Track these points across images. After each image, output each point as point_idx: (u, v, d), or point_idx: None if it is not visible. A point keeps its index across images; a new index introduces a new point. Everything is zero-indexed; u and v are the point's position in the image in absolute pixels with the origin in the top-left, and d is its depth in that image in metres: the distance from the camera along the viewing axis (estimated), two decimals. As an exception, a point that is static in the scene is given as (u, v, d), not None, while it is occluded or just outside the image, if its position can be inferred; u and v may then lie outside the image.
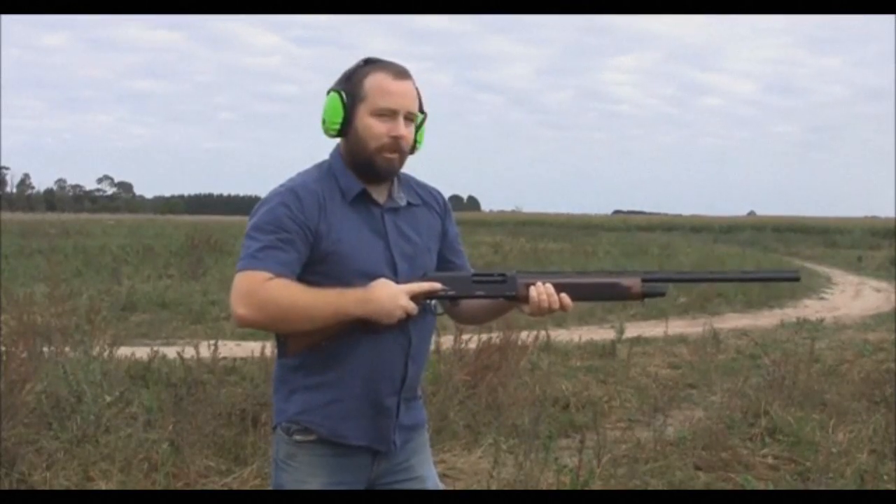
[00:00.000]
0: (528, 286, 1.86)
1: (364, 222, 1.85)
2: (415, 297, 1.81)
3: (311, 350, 1.83)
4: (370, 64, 1.85)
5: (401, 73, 1.84)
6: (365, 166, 1.84)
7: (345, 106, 1.82)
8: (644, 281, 1.89)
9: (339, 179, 1.85)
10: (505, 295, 1.89)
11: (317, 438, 1.86)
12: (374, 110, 1.81)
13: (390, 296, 1.78)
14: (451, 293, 1.88)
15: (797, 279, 1.97)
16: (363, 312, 1.76)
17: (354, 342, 1.82)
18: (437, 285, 1.85)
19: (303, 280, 1.79)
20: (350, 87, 1.83)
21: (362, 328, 1.80)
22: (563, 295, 1.85)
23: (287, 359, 1.89)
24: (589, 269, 1.93)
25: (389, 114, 1.81)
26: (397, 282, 1.83)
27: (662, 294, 1.91)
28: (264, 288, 1.73)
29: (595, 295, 1.91)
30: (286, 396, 1.90)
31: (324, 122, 1.85)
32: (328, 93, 1.85)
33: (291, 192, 1.81)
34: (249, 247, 1.77)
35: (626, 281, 1.89)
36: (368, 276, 1.81)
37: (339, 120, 1.83)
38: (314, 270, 1.81)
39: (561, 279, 1.88)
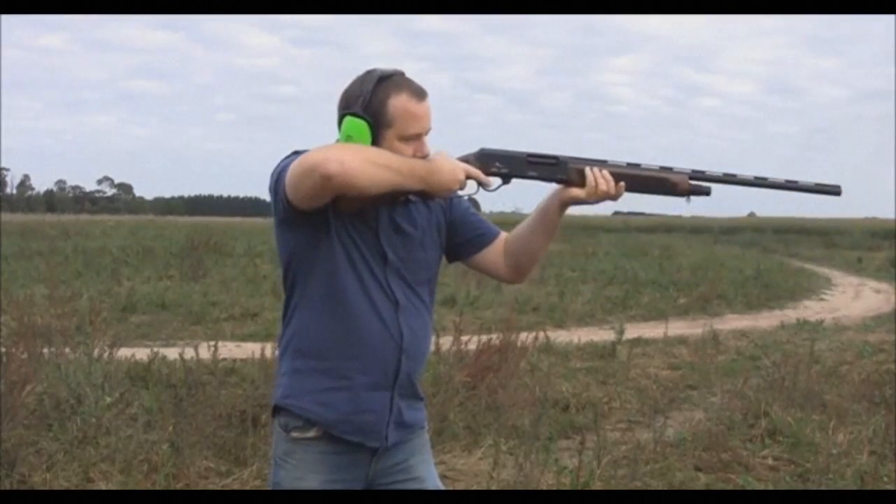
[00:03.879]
0: (579, 171, 1.87)
1: (356, 214, 1.85)
2: (469, 177, 1.85)
3: (301, 331, 1.87)
4: (385, 81, 1.81)
5: (421, 93, 1.83)
6: None
7: (371, 132, 1.79)
8: (691, 179, 1.89)
9: None
10: (556, 178, 1.90)
11: (314, 436, 1.87)
12: (402, 136, 1.80)
13: (452, 170, 1.81)
14: (504, 171, 1.90)
15: (839, 194, 1.93)
16: (429, 178, 1.78)
17: (343, 332, 1.84)
18: (489, 180, 1.89)
19: (290, 268, 1.88)
20: (373, 111, 1.79)
21: (352, 314, 1.83)
22: (621, 183, 1.87)
23: (283, 335, 1.92)
24: (638, 163, 1.91)
25: (416, 137, 1.83)
26: (385, 274, 1.86)
27: (707, 193, 1.90)
28: (339, 144, 1.77)
29: (644, 187, 1.90)
30: (278, 381, 1.94)
31: None
32: (345, 115, 1.80)
33: None
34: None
35: (674, 177, 1.89)
36: (361, 261, 1.84)
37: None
38: (303, 258, 1.84)
39: (614, 168, 1.88)
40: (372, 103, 1.79)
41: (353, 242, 1.84)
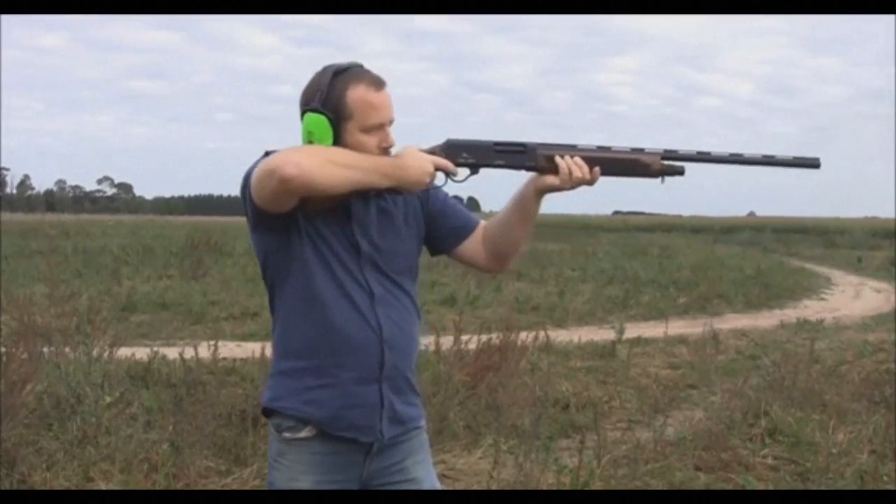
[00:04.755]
0: (549, 158, 1.86)
1: (327, 210, 1.83)
2: (437, 169, 1.85)
3: (284, 331, 1.87)
4: (341, 75, 1.80)
5: (379, 82, 1.82)
6: None
7: (332, 126, 1.78)
8: (664, 159, 1.86)
9: None
10: (525, 165, 1.88)
11: (307, 436, 1.86)
12: (364, 127, 1.79)
13: (420, 164, 1.81)
14: (471, 161, 1.89)
15: (818, 166, 1.88)
16: (397, 174, 1.78)
17: (322, 329, 1.83)
18: (457, 170, 1.89)
19: (267, 270, 1.88)
20: (332, 105, 1.78)
21: (329, 310, 1.82)
22: (596, 168, 1.85)
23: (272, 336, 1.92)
24: (608, 146, 1.88)
25: (379, 128, 1.81)
26: (360, 266, 1.85)
27: (681, 173, 1.87)
28: (301, 146, 1.76)
29: (616, 170, 1.87)
30: (268, 382, 1.93)
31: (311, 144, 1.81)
32: (305, 112, 1.79)
33: None
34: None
35: (646, 158, 1.86)
36: (332, 256, 1.82)
37: (330, 143, 1.79)
38: (277, 259, 1.85)
39: (584, 153, 1.86)
40: (330, 97, 1.78)
41: (323, 238, 1.83)
